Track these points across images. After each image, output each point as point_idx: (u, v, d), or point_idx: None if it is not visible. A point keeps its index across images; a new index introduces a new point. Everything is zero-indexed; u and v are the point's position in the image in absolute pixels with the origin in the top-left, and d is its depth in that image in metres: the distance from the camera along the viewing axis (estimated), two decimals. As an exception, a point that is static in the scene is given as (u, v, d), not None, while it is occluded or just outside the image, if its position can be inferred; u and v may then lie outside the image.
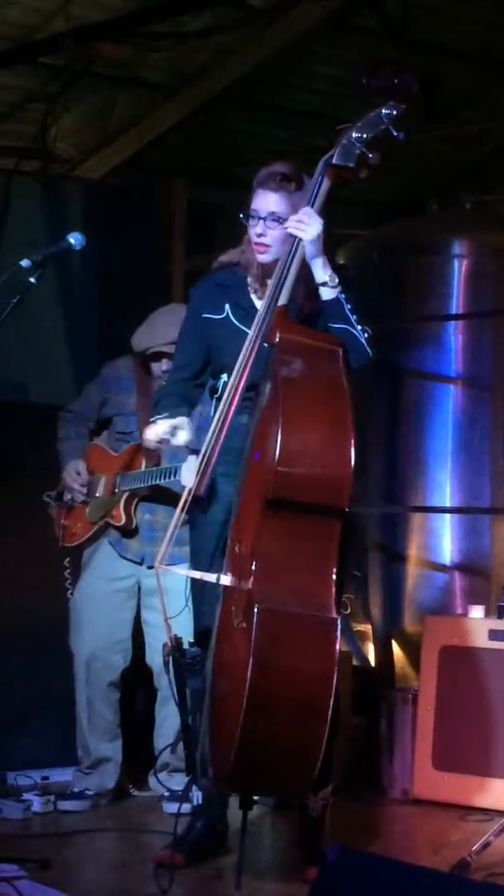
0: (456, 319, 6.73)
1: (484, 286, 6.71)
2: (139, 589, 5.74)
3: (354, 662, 6.57)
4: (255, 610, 4.12)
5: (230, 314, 4.71)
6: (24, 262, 4.52)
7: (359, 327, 4.54)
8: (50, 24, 6.66)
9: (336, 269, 4.59)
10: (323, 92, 7.68)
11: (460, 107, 7.67)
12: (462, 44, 7.29)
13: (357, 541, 7.02)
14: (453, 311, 6.75)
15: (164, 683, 5.59)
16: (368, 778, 6.02)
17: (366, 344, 4.56)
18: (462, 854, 4.63)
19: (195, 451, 4.66)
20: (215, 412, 4.58)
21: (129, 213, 7.28)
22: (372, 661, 6.93)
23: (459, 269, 6.73)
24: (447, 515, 6.74)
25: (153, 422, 4.74)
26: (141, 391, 5.75)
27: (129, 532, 5.69)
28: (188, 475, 4.60)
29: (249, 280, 4.73)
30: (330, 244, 4.60)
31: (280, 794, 4.83)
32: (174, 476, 5.31)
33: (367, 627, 6.98)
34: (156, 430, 4.67)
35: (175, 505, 5.17)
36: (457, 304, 6.73)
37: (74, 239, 4.65)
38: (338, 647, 4.20)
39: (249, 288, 4.73)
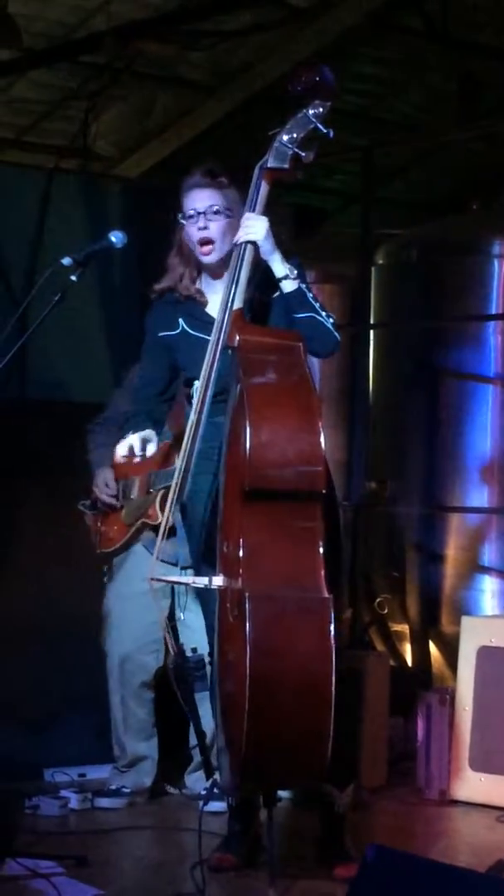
0: (496, 319, 6.71)
1: (524, 286, 6.69)
2: (172, 589, 5.73)
3: (391, 663, 6.56)
4: (246, 598, 4.16)
5: (185, 326, 4.77)
6: (66, 260, 4.53)
7: (323, 313, 4.60)
8: (91, 23, 6.68)
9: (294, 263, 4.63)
10: (363, 91, 7.69)
11: (501, 106, 7.65)
12: (503, 43, 7.28)
13: (394, 541, 7.02)
14: (493, 311, 6.73)
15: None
16: (405, 778, 6.01)
17: (333, 329, 4.62)
18: (499, 855, 4.60)
19: None
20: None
21: (168, 212, 7.28)
22: (409, 662, 6.92)
23: (500, 269, 6.70)
24: (485, 516, 6.72)
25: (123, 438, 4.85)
26: None
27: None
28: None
29: (192, 292, 4.78)
30: (283, 241, 4.65)
31: (298, 785, 4.84)
32: None
33: (404, 628, 6.97)
34: (124, 445, 4.75)
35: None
36: (497, 303, 6.71)
37: (116, 237, 4.66)
38: (332, 625, 4.21)
39: (198, 299, 4.78)
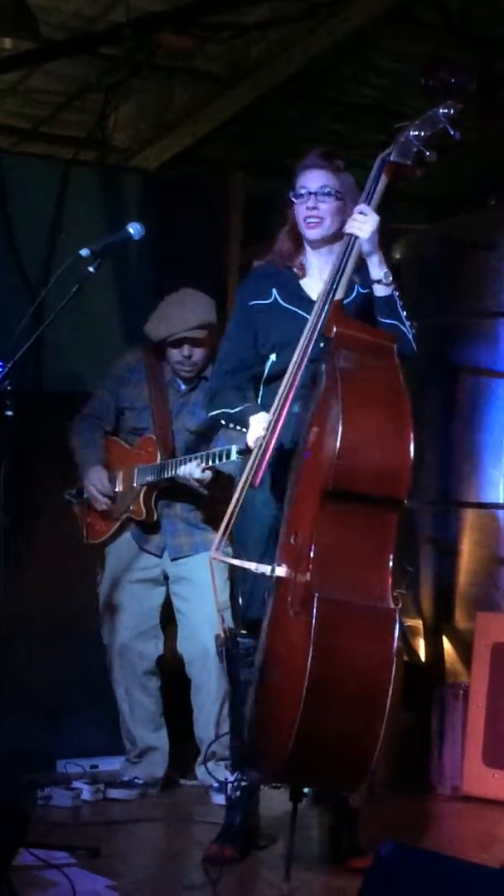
0: (512, 315, 6.70)
1: (541, 282, 6.67)
2: (165, 578, 5.74)
3: (405, 658, 6.55)
4: (315, 600, 4.14)
5: (277, 297, 4.78)
6: (84, 252, 4.53)
7: (407, 324, 4.63)
8: (109, 15, 6.67)
9: (390, 266, 4.67)
10: (380, 86, 7.67)
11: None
12: (523, 38, 7.26)
13: (409, 536, 7.01)
14: (509, 307, 6.72)
15: (196, 671, 5.62)
16: (418, 774, 6.00)
17: (412, 340, 4.65)
18: (512, 851, 4.62)
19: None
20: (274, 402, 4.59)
21: (185, 204, 7.28)
22: (422, 657, 6.91)
23: (516, 265, 6.70)
24: (500, 511, 6.70)
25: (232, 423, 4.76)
26: (153, 383, 5.75)
27: (149, 526, 5.69)
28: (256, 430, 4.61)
29: (294, 262, 4.79)
30: (385, 241, 4.68)
31: (332, 787, 4.84)
32: (186, 464, 5.32)
33: (417, 623, 6.95)
34: (258, 427, 4.63)
35: (191, 499, 5.37)
36: (513, 300, 6.69)
37: (133, 229, 4.65)
38: (396, 638, 4.21)
39: (296, 272, 4.78)
